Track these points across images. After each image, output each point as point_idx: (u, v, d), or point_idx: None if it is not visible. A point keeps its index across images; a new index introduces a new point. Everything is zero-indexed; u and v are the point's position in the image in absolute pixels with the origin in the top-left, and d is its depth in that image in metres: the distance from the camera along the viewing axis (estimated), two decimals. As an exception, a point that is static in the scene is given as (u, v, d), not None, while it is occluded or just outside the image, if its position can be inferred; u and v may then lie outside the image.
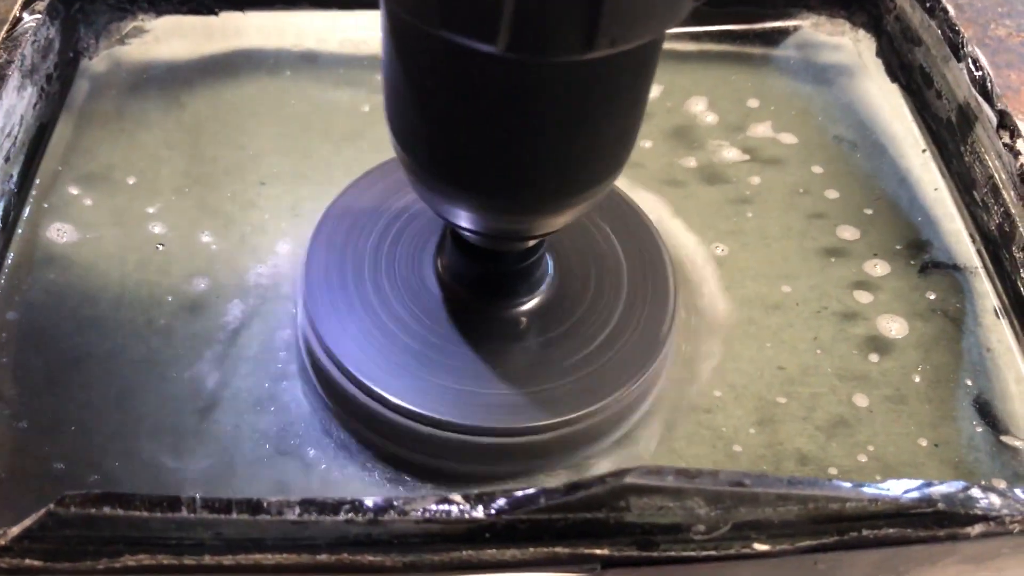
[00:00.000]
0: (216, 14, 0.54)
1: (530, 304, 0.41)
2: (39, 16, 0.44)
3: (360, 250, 0.42)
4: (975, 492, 0.31)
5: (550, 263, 0.42)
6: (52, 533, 0.29)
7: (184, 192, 0.48)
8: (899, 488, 0.31)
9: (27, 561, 0.30)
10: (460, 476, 0.39)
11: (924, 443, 0.41)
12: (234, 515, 0.29)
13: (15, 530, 0.29)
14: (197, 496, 0.29)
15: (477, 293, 0.41)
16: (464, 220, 0.35)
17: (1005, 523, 0.31)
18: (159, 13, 0.54)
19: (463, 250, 0.40)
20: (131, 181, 0.48)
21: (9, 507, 0.36)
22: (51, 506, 0.29)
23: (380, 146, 0.50)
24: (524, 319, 0.41)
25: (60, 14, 0.47)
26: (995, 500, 0.31)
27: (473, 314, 0.41)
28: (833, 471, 0.40)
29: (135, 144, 0.50)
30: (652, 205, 0.49)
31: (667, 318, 0.41)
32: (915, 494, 0.30)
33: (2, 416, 0.39)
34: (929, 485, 0.31)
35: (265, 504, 0.29)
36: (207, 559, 0.30)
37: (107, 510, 0.29)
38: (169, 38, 0.54)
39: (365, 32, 0.56)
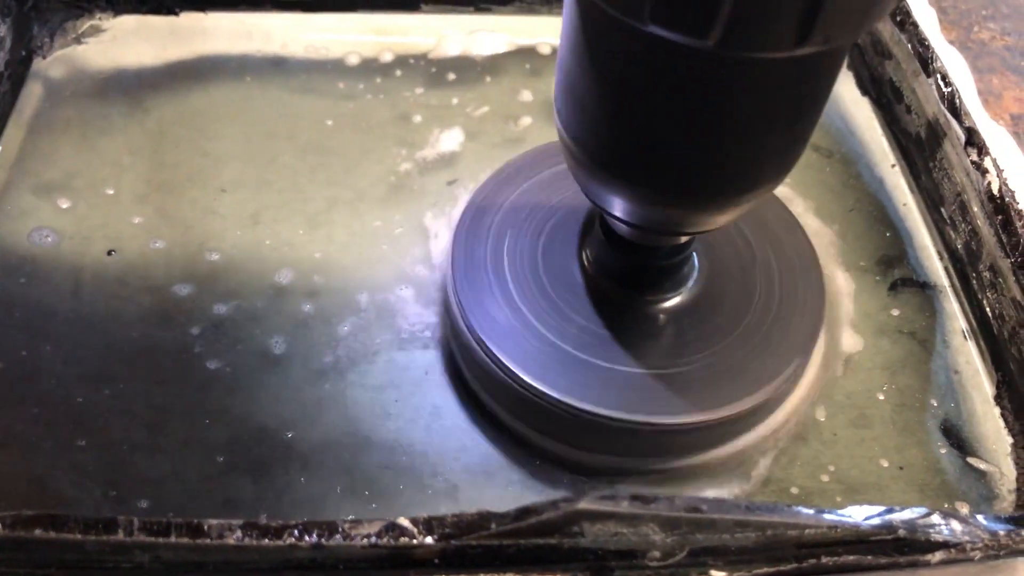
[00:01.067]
0: (177, 14, 0.53)
1: (674, 300, 0.41)
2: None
3: (505, 241, 0.43)
4: (936, 518, 0.30)
5: (696, 261, 0.42)
6: (-17, 555, 0.28)
7: (144, 199, 0.47)
8: (859, 514, 0.30)
9: (-45, 583, 0.28)
10: (590, 466, 0.39)
11: (889, 465, 0.40)
12: (173, 538, 0.28)
13: (-56, 552, 0.28)
14: (135, 518, 0.28)
15: (623, 285, 0.41)
16: (624, 212, 0.35)
17: (966, 550, 0.30)
18: (117, 12, 0.52)
19: (612, 242, 0.39)
20: (92, 189, 0.47)
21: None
22: (-16, 527, 0.28)
23: (345, 153, 0.50)
24: (663, 315, 0.41)
25: (12, 11, 0.46)
26: (956, 526, 0.30)
27: (616, 305, 0.41)
28: (795, 491, 0.40)
29: (96, 150, 0.49)
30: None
31: (817, 324, 0.41)
32: (876, 520, 0.30)
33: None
34: (890, 511, 0.30)
35: (206, 527, 0.28)
36: (143, 583, 0.29)
37: (39, 532, 0.28)
38: (129, 38, 0.53)
39: (331, 35, 0.55)
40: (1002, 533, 0.30)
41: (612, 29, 0.27)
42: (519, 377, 0.38)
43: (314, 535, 0.28)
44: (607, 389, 0.38)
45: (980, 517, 0.30)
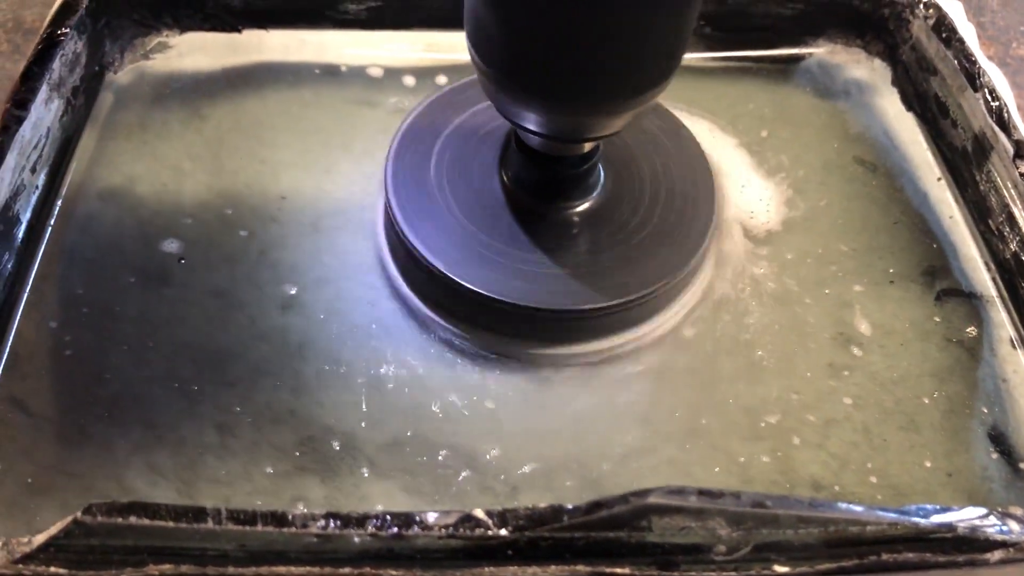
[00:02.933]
0: (240, 31, 0.55)
1: (582, 207, 0.46)
2: (68, 31, 0.45)
3: (436, 161, 0.47)
4: (994, 518, 0.31)
5: (602, 172, 0.47)
6: (77, 541, 0.29)
7: (206, 205, 0.49)
8: (919, 513, 0.31)
9: (52, 568, 0.30)
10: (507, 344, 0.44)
11: (938, 472, 0.41)
12: (259, 527, 0.29)
13: (40, 538, 0.30)
14: (222, 507, 0.29)
15: (536, 196, 0.46)
16: (530, 122, 0.40)
17: (1024, 550, 0.31)
18: (183, 30, 0.54)
19: (525, 155, 0.44)
20: (153, 193, 0.49)
21: (32, 515, 0.37)
22: (77, 514, 0.29)
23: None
24: (577, 219, 0.46)
25: (87, 29, 0.48)
26: (1014, 526, 0.31)
27: (532, 215, 0.46)
28: (844, 495, 0.40)
29: (157, 156, 0.51)
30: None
31: (710, 223, 0.46)
32: (935, 519, 0.31)
33: (27, 427, 0.40)
34: (948, 510, 0.31)
35: (290, 517, 0.29)
36: (230, 570, 0.30)
37: (133, 519, 0.29)
38: (193, 53, 0.55)
39: (384, 50, 0.56)
40: (1061, 532, 0.31)
41: None
42: (455, 281, 0.43)
43: (394, 526, 0.29)
44: (533, 284, 0.43)
45: (1040, 517, 0.31)
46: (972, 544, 0.31)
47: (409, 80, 0.56)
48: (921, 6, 0.51)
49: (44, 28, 0.44)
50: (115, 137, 0.51)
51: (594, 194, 0.46)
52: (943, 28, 0.49)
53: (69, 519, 0.29)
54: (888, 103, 0.55)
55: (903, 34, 0.53)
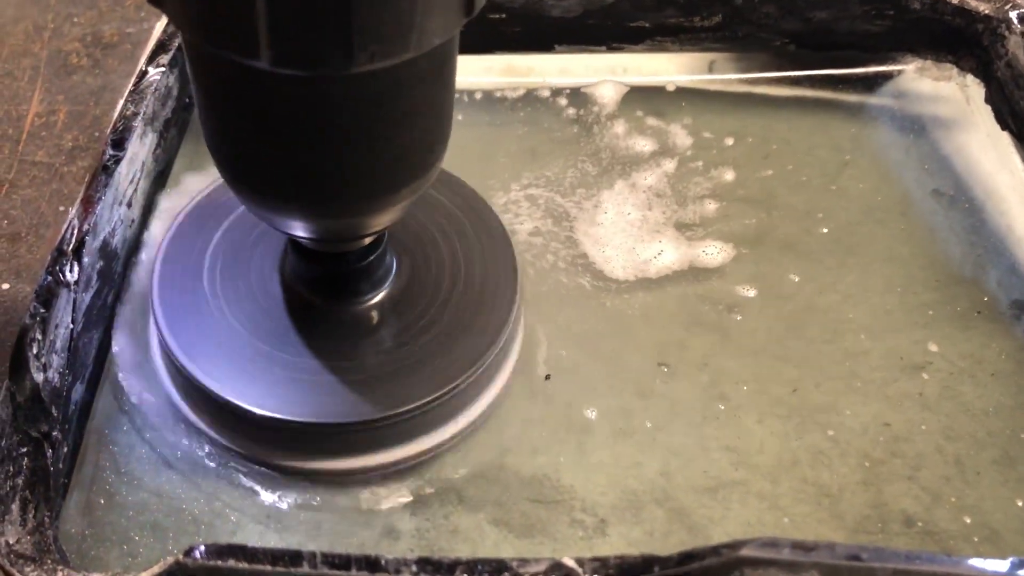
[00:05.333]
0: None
1: (375, 299, 0.42)
2: (163, 68, 0.46)
3: (210, 254, 0.43)
4: (1099, 572, 0.30)
5: (394, 259, 0.43)
6: (178, 582, 0.30)
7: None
8: (1017, 565, 0.30)
9: (154, 607, 0.31)
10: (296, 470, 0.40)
11: (1035, 508, 0.40)
12: (353, 572, 0.30)
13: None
14: (317, 552, 0.30)
15: (319, 293, 0.42)
16: (282, 227, 0.36)
17: None
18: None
19: (301, 252, 0.41)
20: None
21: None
22: (179, 556, 0.30)
23: (475, 182, 0.51)
24: (372, 314, 0.42)
25: (179, 63, 0.49)
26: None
27: (319, 313, 0.42)
28: (937, 532, 0.40)
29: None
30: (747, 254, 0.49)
31: (512, 308, 0.43)
32: (1036, 573, 0.30)
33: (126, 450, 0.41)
34: (1051, 563, 0.30)
35: (383, 562, 0.30)
36: (326, 612, 0.30)
37: (232, 562, 0.30)
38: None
39: (467, 75, 0.57)
40: None
41: (200, 50, 0.29)
42: (211, 391, 0.39)
43: (485, 573, 0.30)
44: (307, 396, 0.39)
45: None
46: (1076, 600, 0.30)
47: (481, 98, 0.56)
48: (1017, 21, 0.50)
49: (140, 66, 0.45)
50: (202, 165, 0.52)
51: (386, 285, 0.43)
52: (1041, 45, 0.48)
53: (171, 559, 0.30)
54: (978, 125, 0.54)
55: (998, 50, 0.51)
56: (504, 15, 0.55)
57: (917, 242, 0.51)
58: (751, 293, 0.48)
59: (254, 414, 0.39)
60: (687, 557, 0.29)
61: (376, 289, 0.42)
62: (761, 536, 0.29)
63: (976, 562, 0.30)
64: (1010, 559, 0.30)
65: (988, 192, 0.52)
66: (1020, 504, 0.40)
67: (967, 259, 0.50)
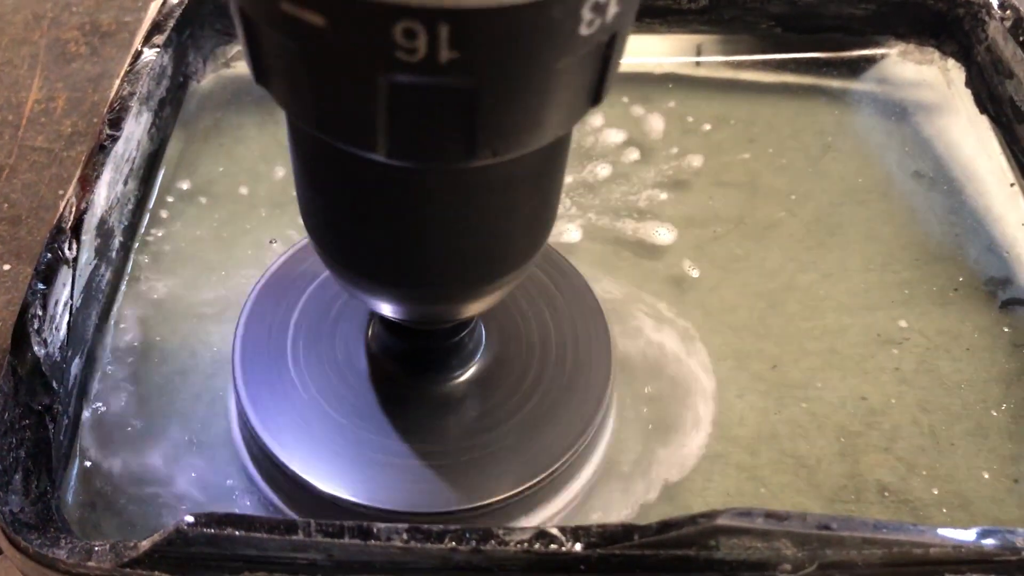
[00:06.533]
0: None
1: (463, 376, 0.41)
2: (157, 48, 0.47)
3: (293, 323, 0.42)
4: (1061, 540, 0.31)
5: (483, 335, 0.41)
6: (178, 549, 0.32)
7: (280, 206, 0.51)
8: (982, 534, 0.31)
9: (156, 573, 0.32)
10: None
11: (1005, 479, 0.42)
12: (346, 539, 0.31)
13: (145, 544, 0.32)
14: (312, 521, 0.31)
15: (405, 368, 0.41)
16: (379, 309, 0.35)
17: (1091, 573, 0.31)
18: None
19: (389, 327, 0.39)
20: (230, 194, 0.51)
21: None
22: (179, 524, 0.31)
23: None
24: (459, 392, 0.40)
25: (173, 43, 0.50)
26: (1081, 550, 0.31)
27: (405, 389, 0.40)
28: (911, 500, 0.41)
29: (234, 158, 0.53)
30: (732, 234, 0.50)
31: (607, 383, 0.41)
32: (999, 541, 0.31)
33: (121, 426, 0.42)
34: (1013, 533, 0.31)
35: (375, 530, 0.31)
36: (318, 579, 0.32)
37: (229, 530, 0.31)
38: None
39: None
40: None
41: (313, 138, 0.27)
42: (301, 478, 0.38)
43: (472, 540, 0.31)
44: (389, 482, 0.37)
45: (1105, 542, 0.31)
46: (1037, 566, 0.31)
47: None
48: (997, 7, 0.51)
49: (135, 47, 0.46)
50: (196, 142, 0.53)
51: (475, 360, 0.41)
52: (1020, 30, 0.49)
53: (172, 527, 0.31)
54: (958, 108, 0.55)
55: (978, 34, 0.52)
56: None
57: (897, 222, 0.52)
58: (732, 274, 0.49)
59: (329, 495, 0.37)
60: (665, 526, 0.30)
61: (465, 365, 0.41)
62: (736, 507, 0.30)
63: (942, 531, 0.31)
64: (974, 529, 0.32)
65: (967, 174, 0.53)
66: (987, 476, 0.41)
67: (946, 238, 0.51)
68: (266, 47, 0.23)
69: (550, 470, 0.38)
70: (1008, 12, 0.50)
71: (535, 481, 0.38)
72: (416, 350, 0.40)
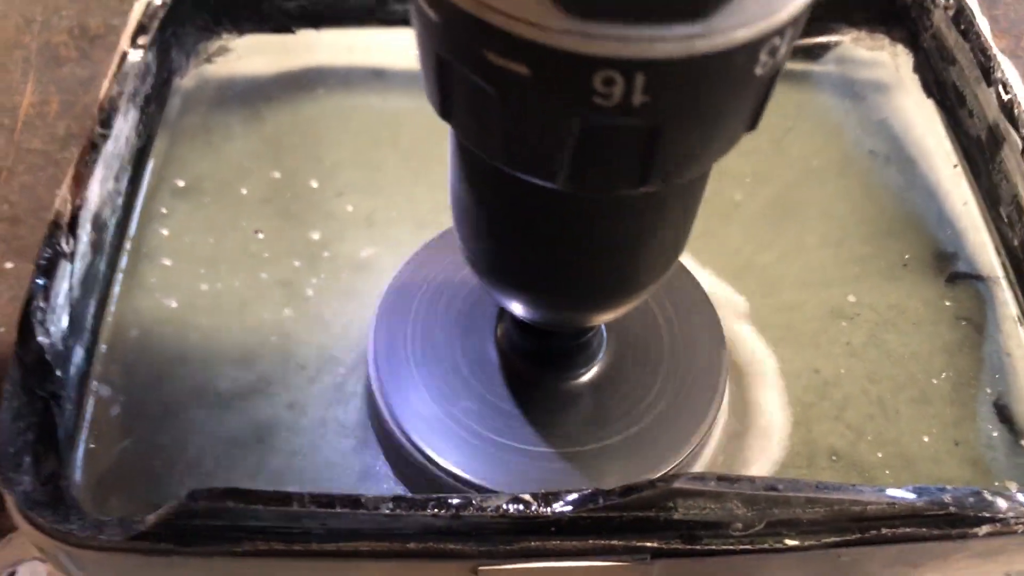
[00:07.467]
0: (294, 32, 0.58)
1: (587, 375, 0.44)
2: (142, 49, 0.49)
3: (425, 320, 0.45)
4: (984, 496, 0.35)
5: (605, 335, 0.44)
6: (183, 522, 0.34)
7: (269, 201, 0.53)
8: (915, 492, 0.35)
9: (162, 544, 0.35)
10: None
11: (946, 441, 0.45)
12: (337, 509, 0.34)
13: (152, 518, 0.34)
14: (306, 493, 0.34)
15: (534, 365, 0.44)
16: (520, 313, 0.38)
17: (1010, 524, 0.35)
18: (242, 32, 0.58)
19: (521, 328, 0.42)
20: (220, 190, 0.53)
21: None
22: (183, 499, 0.34)
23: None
24: (580, 388, 0.43)
25: (156, 41, 0.52)
26: (1002, 504, 0.35)
27: (531, 384, 0.43)
28: (861, 461, 0.44)
29: (221, 156, 0.55)
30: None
31: (720, 378, 0.44)
32: (929, 498, 0.34)
33: (119, 411, 0.45)
34: (943, 491, 0.35)
35: (363, 500, 0.34)
36: (313, 546, 0.35)
37: (230, 504, 0.34)
38: (251, 56, 0.59)
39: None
40: (1043, 509, 0.35)
41: (484, 165, 0.29)
42: (436, 462, 0.41)
43: (452, 507, 0.34)
44: (519, 471, 0.40)
45: (1022, 496, 0.35)
46: (963, 520, 0.35)
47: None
48: (941, -4, 0.54)
49: (120, 48, 0.48)
50: (183, 139, 0.55)
51: (598, 358, 0.44)
52: (962, 20, 0.52)
53: (176, 502, 0.34)
54: (909, 91, 0.58)
55: (924, 22, 0.55)
56: None
57: (852, 200, 0.55)
58: (694, 255, 0.52)
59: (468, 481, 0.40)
60: (627, 490, 0.33)
61: (588, 364, 0.44)
62: (692, 471, 0.33)
63: (877, 490, 0.35)
64: (907, 487, 0.35)
65: (919, 152, 0.56)
66: (926, 440, 0.45)
67: (897, 215, 0.54)
68: (460, 89, 0.25)
69: (658, 473, 0.41)
70: (951, 2, 0.53)
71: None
72: (544, 349, 0.43)
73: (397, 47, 0.60)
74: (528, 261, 0.33)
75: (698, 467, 0.44)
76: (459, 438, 0.41)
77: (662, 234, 0.32)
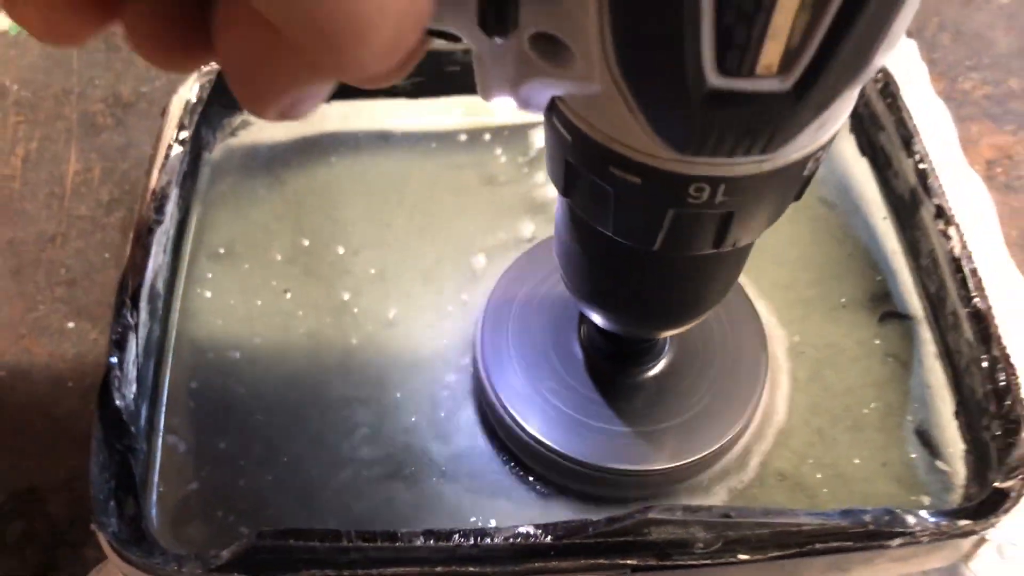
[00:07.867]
0: (307, 106, 0.66)
1: (654, 370, 0.53)
2: (183, 142, 0.56)
3: (520, 320, 0.55)
4: (897, 515, 0.43)
5: (667, 339, 0.54)
6: (252, 556, 0.42)
7: (293, 260, 0.61)
8: (841, 515, 0.43)
9: (235, 575, 0.43)
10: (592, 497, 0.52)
11: (875, 463, 0.53)
12: (378, 543, 0.42)
13: (226, 553, 0.42)
14: (352, 530, 0.42)
15: (611, 362, 0.53)
16: (602, 323, 0.47)
17: (916, 537, 0.43)
18: (261, 108, 0.65)
19: (602, 335, 0.51)
20: (250, 251, 0.61)
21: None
22: (253, 537, 0.42)
23: (445, 215, 0.63)
24: (650, 380, 0.53)
25: (191, 124, 0.59)
26: (911, 520, 0.43)
27: (609, 377, 0.53)
28: (802, 481, 0.53)
29: (249, 219, 0.63)
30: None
31: (759, 381, 0.54)
32: (852, 519, 0.43)
33: (180, 457, 0.52)
34: (863, 512, 0.43)
35: (399, 534, 0.42)
36: (359, 572, 0.43)
37: (291, 541, 0.42)
38: (269, 127, 0.66)
39: (427, 116, 0.67)
40: (943, 524, 0.44)
41: (592, 229, 0.37)
42: (540, 439, 0.51)
43: (472, 538, 0.42)
44: (591, 440, 0.50)
45: (925, 513, 0.43)
46: (880, 535, 0.43)
47: (448, 137, 0.67)
48: (871, 71, 0.62)
49: (166, 142, 0.56)
50: (215, 207, 0.63)
51: (663, 356, 0.53)
52: (887, 94, 0.60)
53: (246, 540, 0.42)
54: (847, 148, 0.66)
55: (861, 90, 0.63)
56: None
57: (802, 245, 0.62)
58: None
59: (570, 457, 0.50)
60: (612, 520, 0.42)
61: (654, 361, 0.53)
62: (663, 503, 0.42)
63: (811, 513, 0.43)
64: (835, 510, 0.43)
65: (859, 202, 0.64)
66: (858, 462, 0.53)
67: (840, 258, 0.61)
68: (582, 182, 0.32)
69: (707, 451, 0.51)
70: (880, 74, 0.61)
71: (697, 456, 0.51)
72: (620, 350, 0.52)
73: (401, 112, 0.67)
74: (618, 295, 0.42)
75: (735, 453, 0.54)
76: (544, 412, 0.51)
77: (722, 276, 0.40)
